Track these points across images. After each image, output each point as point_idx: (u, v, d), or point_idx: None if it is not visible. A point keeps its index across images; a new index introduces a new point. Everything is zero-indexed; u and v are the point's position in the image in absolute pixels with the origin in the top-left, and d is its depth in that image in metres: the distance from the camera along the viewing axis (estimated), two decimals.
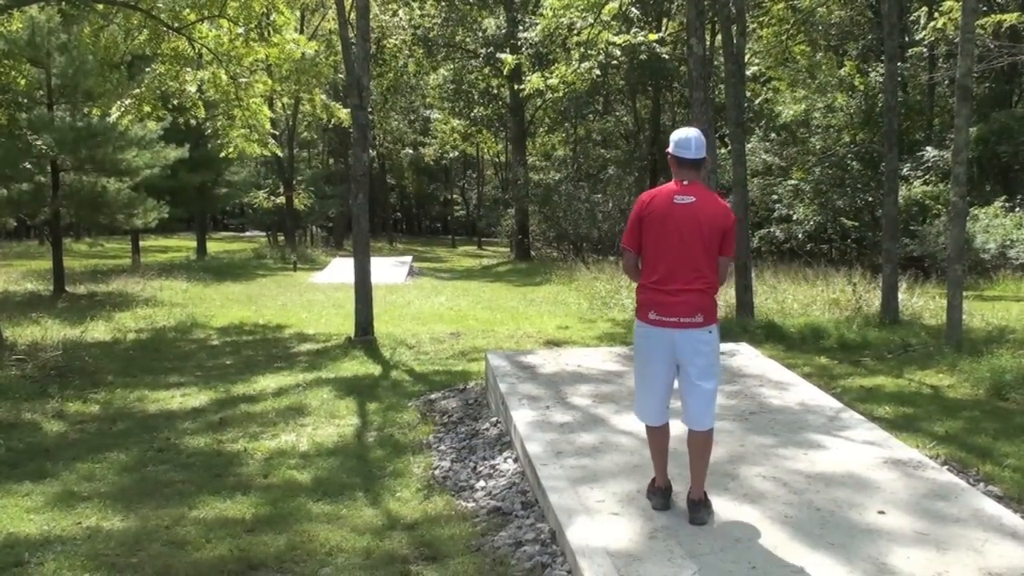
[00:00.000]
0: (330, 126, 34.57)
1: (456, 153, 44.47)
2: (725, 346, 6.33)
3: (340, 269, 18.83)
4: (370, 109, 11.30)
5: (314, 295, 14.54)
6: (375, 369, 7.40)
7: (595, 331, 9.78)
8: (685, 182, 3.42)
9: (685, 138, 3.43)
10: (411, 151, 48.16)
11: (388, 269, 19.29)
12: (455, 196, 57.25)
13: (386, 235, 46.02)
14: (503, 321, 10.87)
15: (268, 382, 6.86)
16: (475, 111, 30.55)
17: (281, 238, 34.11)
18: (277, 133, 25.15)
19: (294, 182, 30.18)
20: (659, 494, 3.53)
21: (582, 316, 11.26)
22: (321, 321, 10.83)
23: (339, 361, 7.76)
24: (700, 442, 3.40)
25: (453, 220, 55.65)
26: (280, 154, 19.27)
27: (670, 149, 3.44)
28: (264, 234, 40.57)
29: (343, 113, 13.20)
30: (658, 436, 3.55)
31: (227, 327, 10.31)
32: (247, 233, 48.56)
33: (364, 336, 8.65)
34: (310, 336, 9.50)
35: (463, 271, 24.49)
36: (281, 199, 29.40)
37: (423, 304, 13.12)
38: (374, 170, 46.97)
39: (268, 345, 8.92)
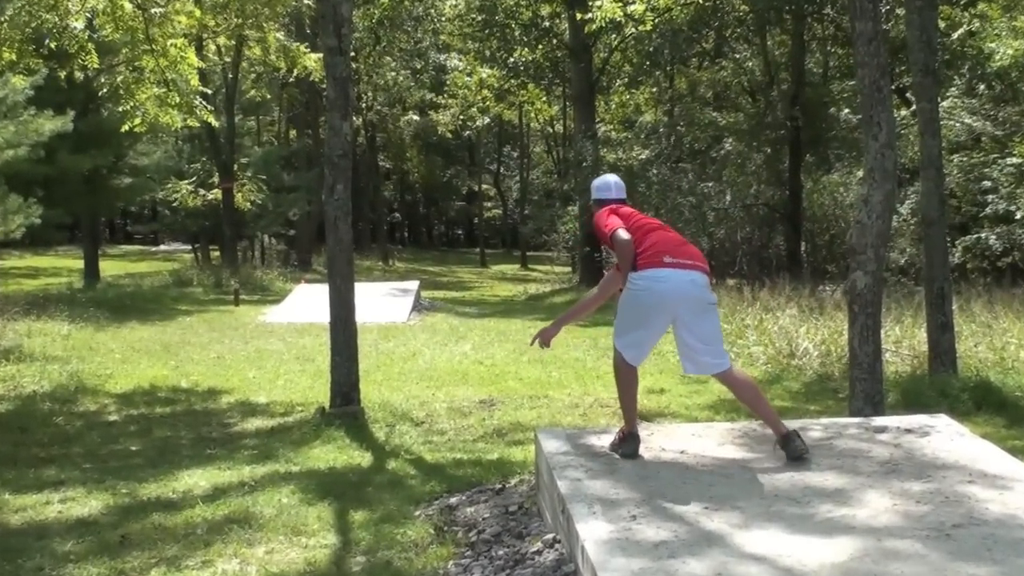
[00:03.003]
0: (291, 81, 35.58)
1: (487, 120, 45.03)
2: (913, 419, 6.28)
3: (307, 302, 19.09)
4: (353, 53, 11.52)
5: (267, 342, 14.75)
6: (363, 458, 7.48)
7: (706, 397, 9.74)
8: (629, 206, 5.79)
9: (610, 181, 5.94)
10: (416, 118, 48.97)
11: (382, 301, 19.47)
12: (485, 187, 57.89)
13: (379, 248, 46.72)
14: (562, 382, 10.88)
15: (196, 479, 6.96)
16: (516, 55, 30.88)
17: (216, 254, 34.80)
18: (209, 93, 25.76)
19: (236, 168, 30.83)
20: (633, 440, 5.44)
21: (685, 374, 11.21)
22: (278, 383, 10.98)
23: (307, 446, 7.86)
24: (739, 381, 5.41)
25: (482, 224, 56.32)
26: (215, 124, 19.73)
27: (603, 196, 5.86)
28: (189, 248, 41.39)
29: (311, 60, 13.54)
30: (634, 372, 5.50)
31: (132, 393, 10.52)
32: (163, 247, 49.60)
33: (345, 406, 8.74)
34: (261, 407, 9.64)
35: (499, 303, 24.58)
36: (216, 194, 30.04)
37: (437, 356, 13.21)
38: (359, 148, 47.70)
39: (196, 421, 9.07)
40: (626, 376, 5.54)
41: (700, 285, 5.29)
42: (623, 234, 5.39)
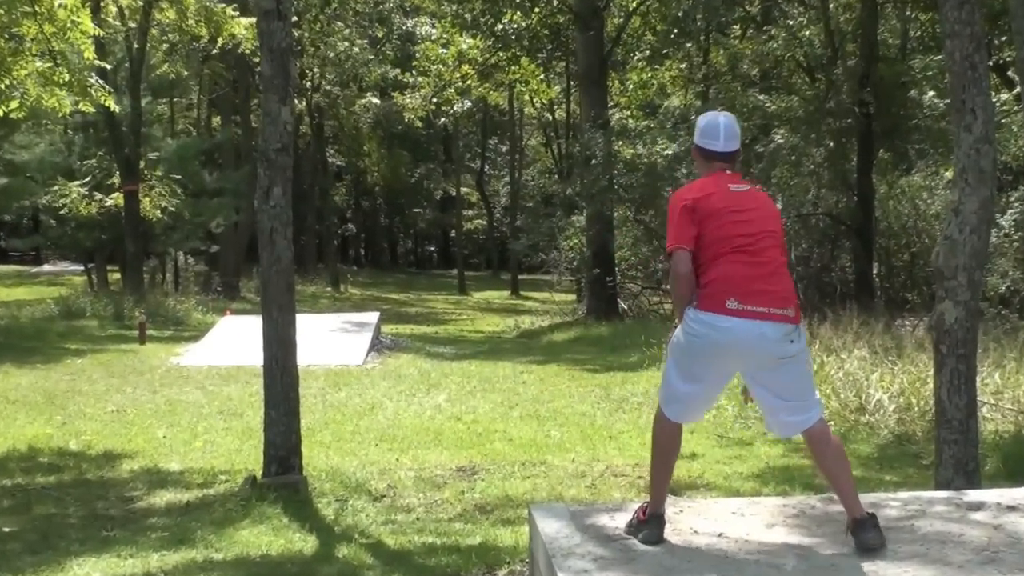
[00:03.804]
0: (214, 53, 35.54)
1: (467, 105, 45.02)
2: (1017, 493, 6.28)
3: (234, 339, 19.07)
4: (296, 18, 11.55)
5: (182, 391, 14.71)
6: (305, 542, 7.47)
7: (751, 463, 9.78)
8: (727, 171, 5.38)
9: (713, 123, 5.39)
10: (376, 101, 49.09)
11: (332, 338, 19.45)
12: (465, 191, 57.97)
13: (327, 269, 46.74)
14: (564, 444, 10.86)
15: (88, 570, 6.93)
16: (506, 19, 31.02)
17: (116, 276, 34.73)
18: (109, 68, 25.79)
19: (142, 166, 30.82)
20: (656, 523, 5.37)
21: (724, 433, 11.20)
22: (196, 445, 10.95)
23: (233, 527, 7.83)
24: (823, 439, 5.26)
25: (461, 239, 56.38)
26: (115, 109, 19.71)
27: (696, 138, 5.35)
28: (81, 269, 41.30)
29: (240, 26, 13.61)
30: (676, 435, 5.44)
31: (5, 458, 10.47)
32: (47, 267, 49.56)
33: (283, 475, 8.70)
34: (174, 476, 9.60)
35: (482, 342, 24.55)
36: (117, 199, 30.02)
37: (402, 409, 13.18)
38: (303, 140, 47.68)
39: (89, 495, 9.03)
40: (664, 437, 5.49)
41: (774, 340, 5.15)
42: (681, 262, 5.22)
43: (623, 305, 27.63)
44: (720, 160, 5.36)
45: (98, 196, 30.80)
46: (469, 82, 36.25)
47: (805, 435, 5.32)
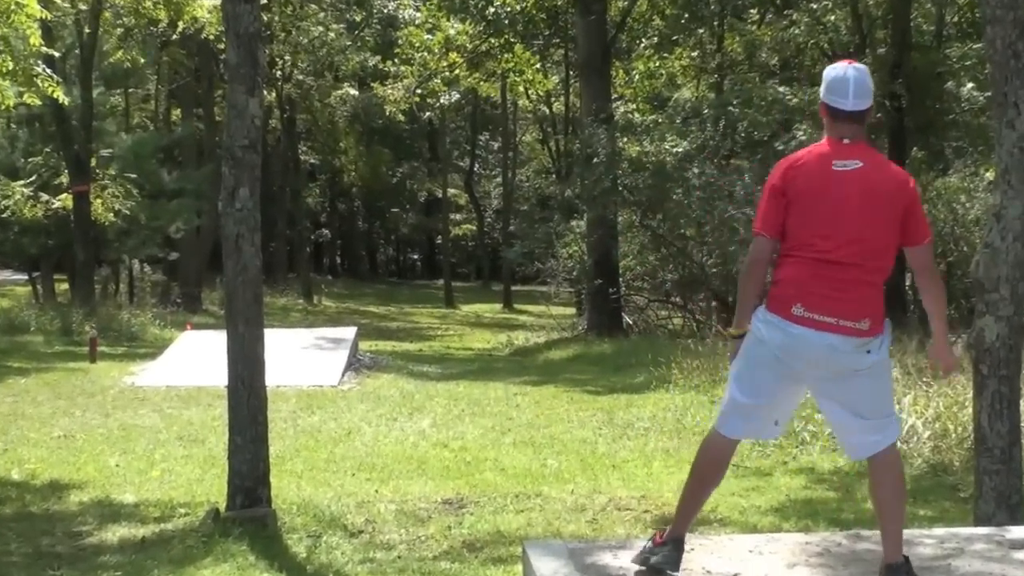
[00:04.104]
0: (175, 38, 35.50)
1: (455, 97, 45.12)
2: None
3: (196, 357, 19.06)
4: (266, 1, 11.55)
5: (137, 415, 14.69)
6: None
7: (770, 496, 9.80)
8: (845, 140, 5.13)
9: (841, 78, 5.15)
10: (354, 92, 49.05)
11: (304, 356, 19.45)
12: (452, 192, 57.91)
13: (300, 279, 46.67)
14: (562, 474, 10.86)
15: None
16: (498, 2, 31.06)
17: (64, 287, 34.65)
18: (57, 56, 25.73)
19: (94, 164, 30.78)
20: (675, 546, 5.31)
21: (740, 462, 11.21)
22: (153, 475, 10.92)
23: (193, 565, 7.82)
24: (890, 466, 5.22)
25: (448, 246, 56.28)
26: (64, 101, 19.70)
27: (821, 94, 5.19)
28: (25, 278, 41.21)
29: (203, 9, 13.63)
30: (725, 456, 5.40)
31: None
32: None
33: (250, 508, 8.68)
34: (128, 509, 9.58)
35: (471, 360, 24.53)
36: (65, 201, 29.95)
37: (382, 435, 13.17)
38: (273, 134, 47.61)
39: (33, 529, 9.01)
40: (706, 459, 5.43)
41: (845, 351, 5.05)
42: (756, 249, 5.26)
43: (628, 320, 27.65)
44: (847, 121, 5.17)
45: (44, 197, 30.68)
46: (457, 71, 36.30)
47: (872, 458, 5.24)
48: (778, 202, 5.10)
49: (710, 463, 5.37)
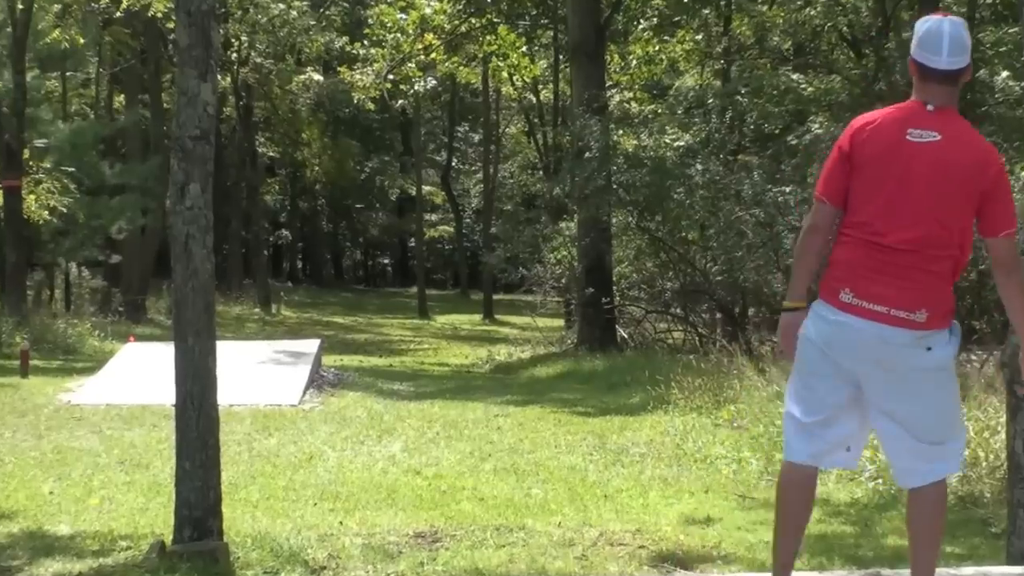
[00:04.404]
0: (118, 16, 35.37)
1: (431, 83, 45.11)
2: None
3: (139, 372, 19.02)
4: None
5: (74, 436, 14.64)
6: None
7: None
8: (929, 106, 5.00)
9: (935, 31, 5.03)
10: (318, 78, 49.02)
11: (261, 372, 19.42)
12: (428, 190, 57.84)
13: (256, 286, 46.62)
14: (548, 504, 10.85)
15: None
16: None
17: None
18: None
19: (26, 155, 30.72)
20: None
21: (747, 492, 11.20)
22: (91, 503, 10.89)
23: None
24: (935, 501, 5.11)
25: (422, 250, 56.24)
26: None
27: (911, 50, 5.07)
28: None
29: None
30: (800, 486, 5.25)
31: None
32: None
33: (199, 540, 8.66)
34: (63, 541, 9.55)
35: (447, 377, 24.53)
36: None
37: (348, 461, 13.15)
38: (227, 124, 47.45)
39: None
40: (783, 491, 5.33)
41: (900, 344, 4.90)
42: (815, 213, 5.19)
43: (623, 333, 27.67)
44: (937, 81, 5.02)
45: None
46: (434, 55, 36.29)
47: (914, 489, 5.13)
48: (843, 167, 5.03)
49: (787, 500, 5.28)
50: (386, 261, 73.35)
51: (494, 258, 41.40)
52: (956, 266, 4.97)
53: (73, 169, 32.38)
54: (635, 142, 27.20)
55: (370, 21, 38.76)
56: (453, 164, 61.20)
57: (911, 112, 4.99)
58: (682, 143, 26.81)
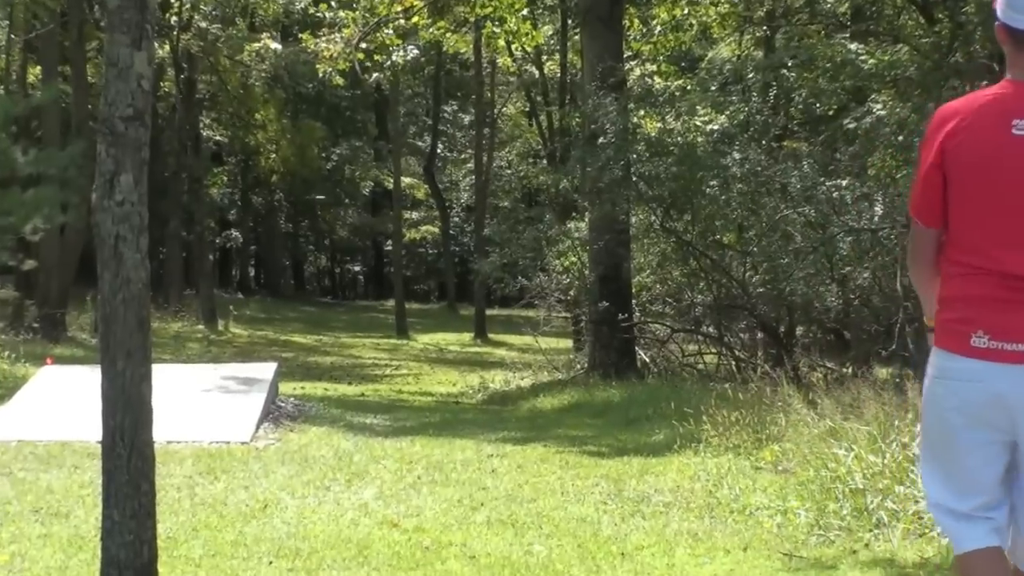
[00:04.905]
0: None
1: (413, 53, 45.13)
2: None
3: (59, 401, 19.06)
4: None
5: None
6: None
7: None
8: None
9: None
10: (276, 47, 49.03)
11: (206, 402, 19.47)
12: (407, 182, 57.80)
13: (201, 297, 46.62)
14: (554, 563, 10.86)
15: None
16: None
17: None
18: None
19: None
20: None
21: (795, 549, 11.23)
22: (0, 559, 10.92)
23: None
24: None
25: (400, 255, 56.24)
26: None
27: (998, 12, 4.71)
28: None
29: None
30: (986, 569, 4.86)
31: None
32: None
33: None
34: None
35: (431, 409, 24.58)
36: None
37: (310, 510, 13.17)
38: (166, 102, 47.42)
39: None
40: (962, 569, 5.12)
41: None
42: (915, 239, 5.03)
43: (644, 357, 27.68)
44: None
45: None
46: (416, 19, 36.32)
47: None
48: (933, 179, 4.78)
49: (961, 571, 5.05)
50: (357, 268, 73.50)
51: (488, 265, 41.22)
52: None
53: None
54: (659, 125, 27.20)
55: None
56: (439, 151, 61.26)
57: (1011, 96, 4.62)
58: (716, 126, 26.81)
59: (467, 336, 47.93)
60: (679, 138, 25.91)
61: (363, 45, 37.29)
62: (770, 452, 15.48)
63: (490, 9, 36.09)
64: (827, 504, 12.22)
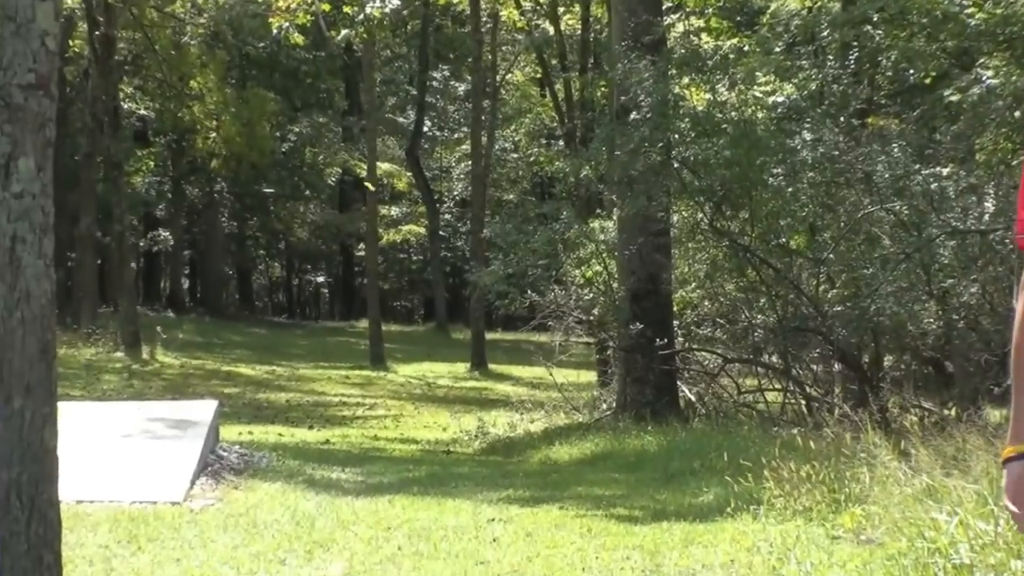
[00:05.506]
0: None
1: (392, 5, 45.23)
2: None
3: None
4: None
5: None
6: None
7: None
8: None
9: None
10: None
11: (128, 450, 19.54)
12: (385, 168, 57.86)
13: (122, 314, 46.79)
14: None
15: None
16: None
17: None
18: None
19: None
20: None
21: None
22: None
23: None
24: None
25: (376, 260, 56.33)
26: None
27: None
28: None
29: None
30: None
31: None
32: None
33: None
34: None
35: (417, 458, 24.68)
36: None
37: None
38: (76, 67, 47.47)
39: None
40: None
41: None
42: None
43: (688, 394, 27.69)
44: None
45: None
46: None
47: None
48: None
49: None
50: (320, 279, 73.65)
51: (488, 276, 41.17)
52: None
53: None
54: (708, 96, 27.22)
55: None
56: (425, 129, 61.38)
57: None
58: (781, 98, 26.84)
59: (461, 367, 48.04)
60: (733, 113, 25.94)
61: None
62: (851, 517, 15.44)
63: None
64: None
